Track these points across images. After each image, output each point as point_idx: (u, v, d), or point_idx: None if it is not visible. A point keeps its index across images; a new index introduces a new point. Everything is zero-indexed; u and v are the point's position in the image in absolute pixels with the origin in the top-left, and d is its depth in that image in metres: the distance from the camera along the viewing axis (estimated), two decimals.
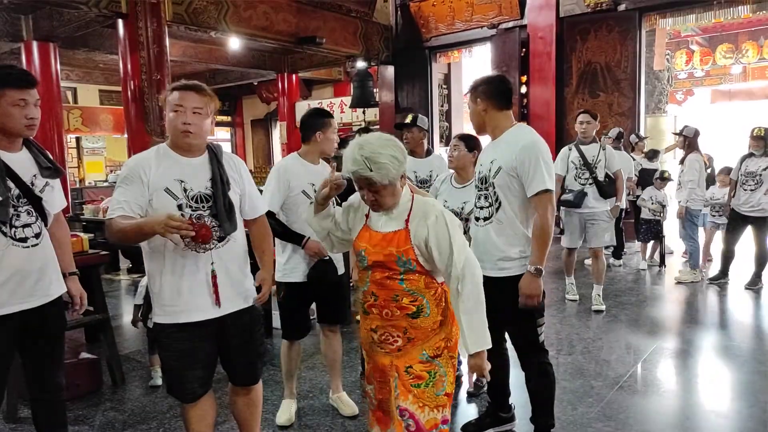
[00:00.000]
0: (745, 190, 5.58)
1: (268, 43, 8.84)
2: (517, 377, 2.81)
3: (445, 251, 1.86)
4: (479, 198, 2.59)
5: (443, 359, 1.95)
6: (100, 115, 13.06)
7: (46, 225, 2.26)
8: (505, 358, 2.78)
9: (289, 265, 2.88)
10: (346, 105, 11.55)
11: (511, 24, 9.04)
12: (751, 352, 3.92)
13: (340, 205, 2.20)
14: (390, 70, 10.60)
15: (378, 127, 10.38)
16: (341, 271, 3.02)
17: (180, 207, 2.04)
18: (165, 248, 2.04)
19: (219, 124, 16.01)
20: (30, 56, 7.87)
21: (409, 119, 3.91)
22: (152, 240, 2.02)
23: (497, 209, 2.48)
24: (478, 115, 2.55)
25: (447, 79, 10.87)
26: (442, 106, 10.74)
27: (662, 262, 6.65)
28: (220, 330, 2.15)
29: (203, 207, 2.08)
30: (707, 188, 6.25)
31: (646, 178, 6.97)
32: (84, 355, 3.63)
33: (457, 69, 10.92)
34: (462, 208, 3.05)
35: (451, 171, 3.25)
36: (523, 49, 8.85)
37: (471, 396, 3.31)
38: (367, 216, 2.02)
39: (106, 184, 12.33)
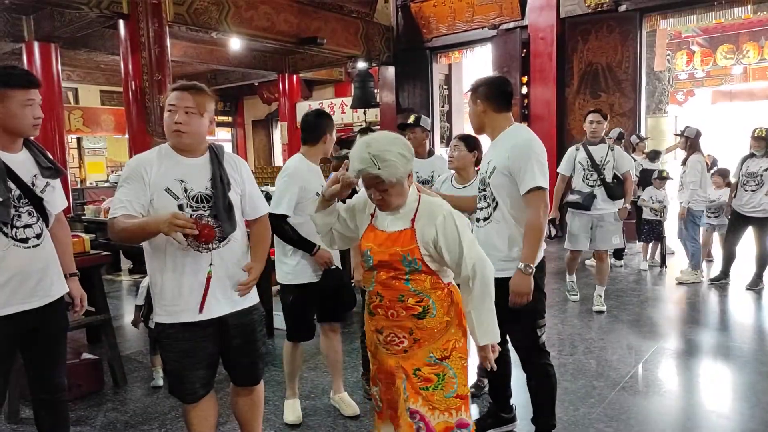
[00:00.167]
0: (746, 190, 5.58)
1: (269, 43, 8.84)
2: (518, 378, 2.80)
3: (455, 251, 1.86)
4: (479, 199, 2.60)
5: (452, 361, 1.93)
6: (101, 115, 13.08)
7: (47, 225, 2.26)
8: (507, 359, 2.77)
9: (298, 267, 2.87)
10: (347, 105, 11.56)
11: (511, 24, 9.04)
12: (752, 353, 3.92)
13: (343, 202, 2.20)
14: (391, 71, 10.61)
15: (379, 127, 10.38)
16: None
17: (181, 207, 2.04)
18: (166, 247, 2.04)
19: (220, 124, 16.02)
20: (31, 57, 7.89)
21: (411, 119, 3.92)
22: (154, 239, 2.02)
23: (494, 209, 2.49)
24: (477, 116, 2.56)
25: (448, 80, 10.88)
26: (442, 106, 10.75)
27: (663, 263, 6.64)
28: (221, 330, 2.15)
29: (204, 207, 2.08)
30: None
31: (647, 179, 6.97)
32: (85, 355, 3.64)
33: (458, 69, 10.93)
34: None
35: (452, 171, 3.26)
36: (524, 50, 8.86)
37: (472, 396, 3.30)
38: (372, 215, 2.01)
39: (107, 184, 12.34)
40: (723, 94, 15.64)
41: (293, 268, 2.88)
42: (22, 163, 2.17)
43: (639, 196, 6.71)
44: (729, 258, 5.84)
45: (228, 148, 15.68)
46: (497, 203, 2.48)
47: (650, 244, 6.74)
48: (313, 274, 2.88)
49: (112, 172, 13.68)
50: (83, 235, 3.80)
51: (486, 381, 3.22)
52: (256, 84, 14.19)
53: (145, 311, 3.46)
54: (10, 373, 2.23)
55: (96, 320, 3.57)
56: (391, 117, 10.45)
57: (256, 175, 6.95)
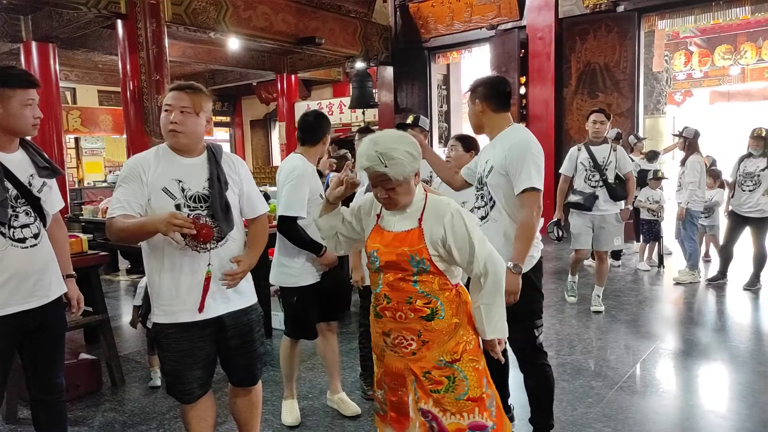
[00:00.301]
0: (744, 190, 5.58)
1: (268, 43, 8.85)
2: (516, 378, 2.81)
3: (465, 249, 1.83)
4: (477, 198, 2.61)
5: (462, 363, 1.90)
6: (99, 115, 13.07)
7: (44, 225, 2.25)
8: (504, 359, 2.77)
9: (303, 269, 2.87)
10: (345, 105, 11.57)
11: (510, 25, 9.05)
12: (749, 353, 3.93)
13: (346, 205, 2.19)
14: (389, 71, 10.62)
15: (377, 127, 10.38)
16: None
17: (178, 207, 2.04)
18: (164, 247, 2.04)
19: (218, 124, 16.02)
20: (29, 57, 7.89)
21: (410, 119, 3.93)
22: (152, 239, 2.02)
23: (492, 208, 2.50)
24: (476, 116, 2.57)
25: (446, 80, 10.88)
26: (441, 106, 10.76)
27: (660, 263, 6.65)
28: (219, 330, 2.15)
29: (201, 207, 2.08)
30: None
31: (644, 180, 6.97)
32: (83, 355, 3.63)
33: (456, 70, 10.94)
34: None
35: None
36: (522, 50, 8.87)
37: None
38: (378, 216, 1.98)
39: (105, 184, 12.33)
40: (721, 95, 15.68)
41: (298, 270, 2.86)
42: (18, 162, 2.16)
43: (636, 197, 6.71)
44: (726, 258, 5.85)
45: (226, 148, 15.66)
46: (494, 202, 2.49)
47: (647, 245, 6.75)
48: (317, 275, 2.89)
49: (110, 172, 13.67)
50: (81, 235, 3.80)
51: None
52: (255, 84, 14.19)
53: (143, 311, 3.46)
54: (9, 373, 2.22)
55: (94, 320, 3.57)
56: (390, 117, 10.47)
57: (254, 175, 6.92)
